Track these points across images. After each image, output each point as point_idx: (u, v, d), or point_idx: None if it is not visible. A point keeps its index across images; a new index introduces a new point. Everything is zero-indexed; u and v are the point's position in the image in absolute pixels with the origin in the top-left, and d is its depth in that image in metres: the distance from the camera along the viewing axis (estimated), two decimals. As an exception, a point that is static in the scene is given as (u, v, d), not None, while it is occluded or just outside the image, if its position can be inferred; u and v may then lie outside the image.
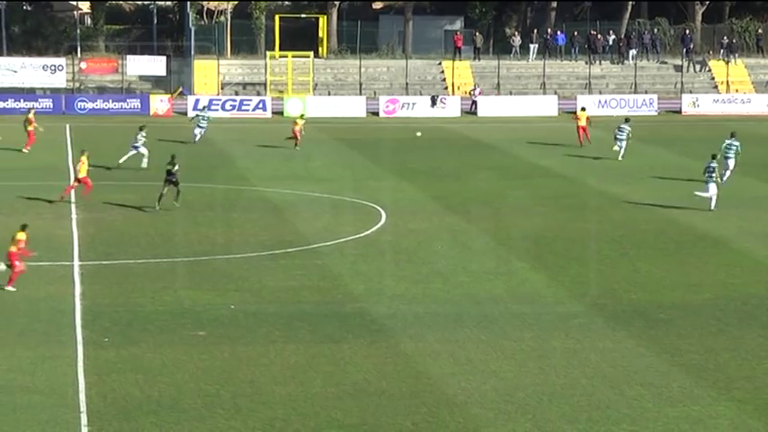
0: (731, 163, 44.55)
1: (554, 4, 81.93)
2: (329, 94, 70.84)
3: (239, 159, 50.52)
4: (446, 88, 72.57)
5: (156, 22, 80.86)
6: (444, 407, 21.36)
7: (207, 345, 24.66)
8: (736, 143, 45.00)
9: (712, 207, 39.13)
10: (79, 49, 75.86)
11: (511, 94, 72.07)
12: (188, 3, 76.58)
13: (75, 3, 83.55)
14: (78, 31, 79.40)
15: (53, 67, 68.48)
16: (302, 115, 55.65)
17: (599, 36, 76.36)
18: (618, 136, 51.51)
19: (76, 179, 39.78)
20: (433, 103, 68.43)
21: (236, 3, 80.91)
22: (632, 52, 75.94)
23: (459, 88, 72.10)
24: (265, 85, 70.96)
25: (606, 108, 68.43)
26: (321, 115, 65.52)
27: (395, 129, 62.38)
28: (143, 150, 46.45)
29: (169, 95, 67.93)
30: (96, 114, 65.42)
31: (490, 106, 69.00)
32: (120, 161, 46.69)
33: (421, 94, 70.50)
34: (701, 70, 75.80)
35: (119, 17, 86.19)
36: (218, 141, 55.01)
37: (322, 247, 33.72)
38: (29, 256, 28.87)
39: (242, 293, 28.83)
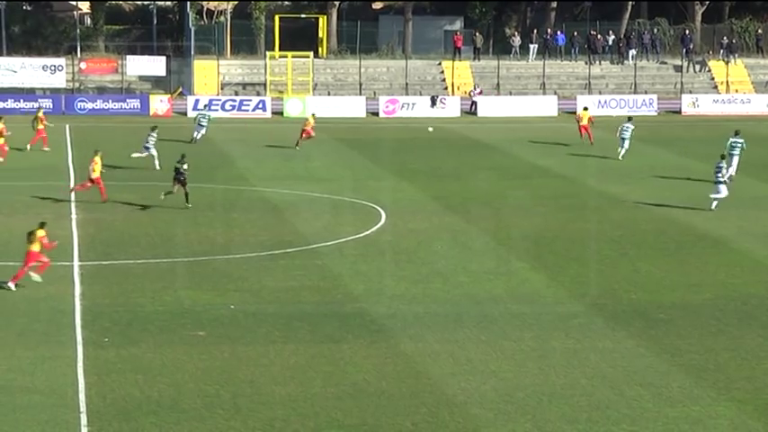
0: (736, 161, 44.63)
1: (554, 5, 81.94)
2: (329, 95, 70.84)
3: (239, 159, 50.53)
4: (446, 88, 72.56)
5: (155, 22, 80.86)
6: (444, 407, 21.36)
7: (207, 345, 24.66)
8: (741, 141, 45.08)
9: (713, 207, 39.13)
10: (79, 50, 75.86)
11: (511, 94, 72.07)
12: (188, 3, 76.58)
13: (74, 3, 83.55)
14: (78, 31, 79.41)
15: (53, 68, 68.47)
16: (314, 114, 55.62)
17: (599, 36, 76.37)
18: (623, 135, 51.68)
19: (90, 179, 39.71)
20: (433, 103, 68.44)
21: (235, 3, 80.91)
22: (632, 52, 75.94)
23: (458, 88, 72.09)
24: (265, 85, 70.96)
25: (606, 108, 68.43)
26: (321, 115, 65.30)
27: (395, 129, 62.39)
28: (153, 152, 46.48)
29: (169, 96, 67.93)
30: (96, 114, 65.43)
31: (490, 106, 69.00)
32: (133, 155, 46.66)
33: (421, 95, 70.50)
34: (700, 70, 75.81)
35: (118, 17, 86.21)
36: (218, 141, 55.02)
37: (322, 248, 33.72)
38: (51, 248, 28.75)
39: (242, 293, 28.84)
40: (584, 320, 26.80)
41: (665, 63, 76.53)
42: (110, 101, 67.12)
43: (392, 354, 24.21)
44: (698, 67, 75.90)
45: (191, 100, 66.88)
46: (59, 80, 68.42)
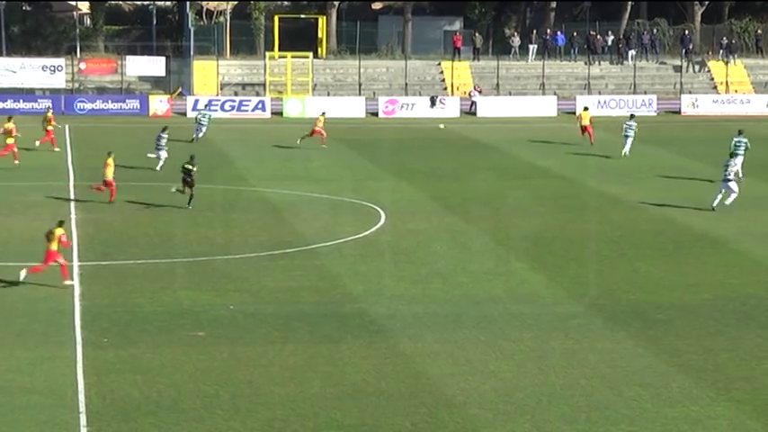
0: (740, 160, 44.65)
1: (553, 5, 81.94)
2: (328, 95, 70.83)
3: (238, 160, 50.53)
4: (445, 89, 72.56)
5: (155, 22, 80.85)
6: (443, 407, 21.36)
7: (206, 345, 24.67)
8: (744, 140, 45.17)
9: (714, 205, 39.13)
10: (78, 50, 75.86)
11: (510, 94, 72.07)
12: (187, 3, 76.57)
13: (74, 3, 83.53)
14: (78, 31, 79.40)
15: (52, 68, 68.47)
16: (324, 114, 55.62)
17: (598, 36, 76.37)
18: (626, 133, 51.88)
19: (104, 182, 39.68)
20: (433, 103, 68.45)
21: (235, 3, 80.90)
22: (631, 53, 75.95)
23: (458, 89, 72.10)
24: (264, 85, 70.96)
25: (606, 108, 68.42)
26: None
27: (394, 129, 62.39)
28: (164, 153, 46.54)
29: (168, 96, 67.93)
30: (96, 115, 65.41)
31: (489, 107, 69.01)
32: (149, 155, 46.73)
33: (420, 95, 70.51)
34: (700, 71, 75.82)
35: (118, 17, 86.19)
36: (218, 142, 55.01)
37: (321, 248, 33.73)
38: (68, 247, 28.75)
39: (241, 294, 28.85)
40: (583, 321, 26.81)
41: (665, 63, 76.54)
42: (109, 101, 67.12)
43: (391, 354, 24.23)
44: (697, 67, 75.91)
45: (190, 100, 66.88)
46: (59, 80, 68.42)
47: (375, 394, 21.95)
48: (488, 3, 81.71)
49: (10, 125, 48.04)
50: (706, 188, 43.73)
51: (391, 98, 69.17)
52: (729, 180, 39.16)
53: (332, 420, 20.71)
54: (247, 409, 21.19)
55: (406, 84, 72.14)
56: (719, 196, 39.34)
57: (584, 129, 55.90)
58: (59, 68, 68.59)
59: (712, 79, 75.09)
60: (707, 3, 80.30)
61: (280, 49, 72.81)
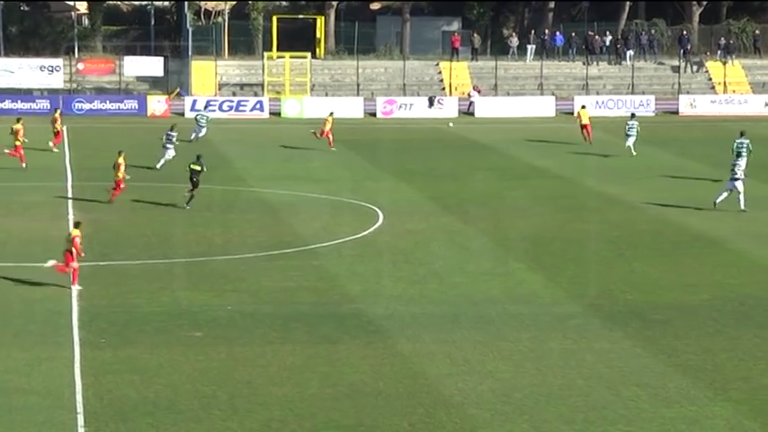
0: (742, 162, 44.65)
1: (551, 5, 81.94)
2: (326, 95, 70.82)
3: (236, 160, 50.52)
4: (443, 89, 72.56)
5: (153, 22, 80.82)
6: (441, 407, 21.36)
7: (204, 346, 24.66)
8: (746, 141, 45.24)
9: (717, 201, 39.12)
10: (76, 50, 75.81)
11: (508, 94, 72.07)
12: (185, 3, 76.54)
13: (72, 3, 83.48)
14: (76, 31, 79.36)
15: (50, 68, 68.46)
16: (332, 114, 55.59)
17: (596, 37, 76.38)
18: (628, 133, 52.04)
19: (116, 182, 39.62)
20: (431, 103, 68.45)
21: (233, 3, 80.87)
22: (629, 53, 75.95)
23: (456, 89, 72.09)
24: (263, 85, 70.96)
25: (604, 109, 68.42)
26: (318, 116, 65.46)
27: (392, 129, 62.40)
28: (172, 152, 46.59)
29: (167, 96, 67.92)
30: (93, 115, 65.36)
31: (487, 107, 69.00)
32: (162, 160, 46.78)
33: (418, 95, 70.50)
34: (698, 71, 75.83)
35: (116, 18, 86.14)
36: (216, 142, 54.96)
37: (319, 248, 33.74)
38: (78, 251, 28.76)
39: (239, 294, 28.84)
40: (581, 321, 26.82)
41: (663, 64, 76.54)
42: (107, 101, 67.10)
43: (389, 354, 24.22)
44: (695, 67, 75.93)
45: (188, 100, 66.87)
46: (57, 81, 68.38)
47: (373, 394, 21.95)
48: (487, 3, 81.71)
49: (17, 126, 48.03)
50: (704, 188, 43.76)
51: (389, 98, 69.16)
52: (737, 179, 39.15)
53: (330, 420, 20.70)
54: (245, 409, 21.19)
55: (405, 84, 72.14)
56: (725, 194, 39.32)
57: (583, 127, 55.99)
58: (57, 69, 68.55)
59: (710, 79, 75.10)
60: (705, 3, 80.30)
61: (278, 50, 72.77)
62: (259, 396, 21.79)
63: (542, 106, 69.31)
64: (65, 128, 57.91)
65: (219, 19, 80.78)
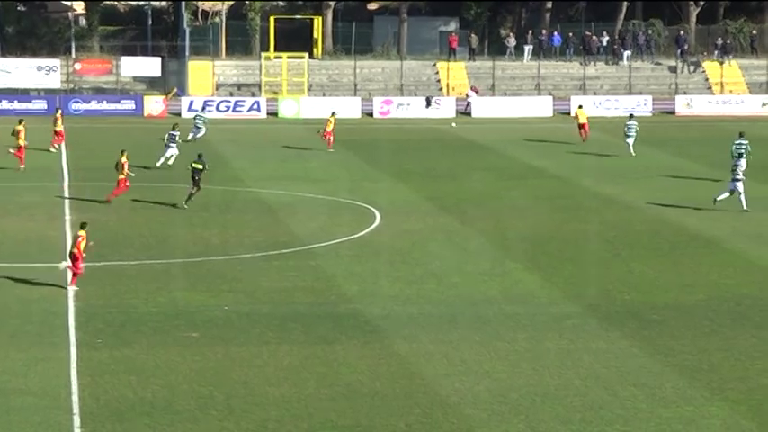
0: (743, 162, 44.69)
1: (549, 5, 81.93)
2: (324, 95, 70.80)
3: (234, 160, 50.48)
4: (440, 89, 72.56)
5: (150, 22, 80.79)
6: (438, 408, 21.36)
7: (200, 346, 24.65)
8: (745, 142, 45.31)
9: (717, 198, 39.09)
10: (74, 50, 75.75)
11: (505, 95, 72.07)
12: (183, 3, 76.51)
13: (69, 3, 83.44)
14: (73, 31, 79.32)
15: (47, 68, 68.42)
16: (334, 114, 55.60)
17: (593, 37, 76.40)
18: (628, 133, 52.14)
19: (121, 180, 39.65)
20: (428, 104, 68.45)
21: (230, 3, 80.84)
22: (627, 53, 75.96)
23: (453, 89, 72.09)
24: (260, 85, 70.93)
25: (601, 109, 68.43)
26: (316, 116, 65.49)
27: (389, 130, 62.40)
28: (174, 150, 46.69)
29: (164, 96, 67.89)
30: (90, 116, 65.32)
31: (485, 107, 69.01)
32: (169, 161, 46.83)
33: (416, 95, 70.49)
34: (694, 71, 75.86)
35: (113, 18, 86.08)
36: (213, 142, 54.91)
37: (316, 249, 33.73)
38: (80, 250, 28.75)
39: (236, 294, 28.82)
40: (578, 321, 26.82)
41: (660, 64, 76.56)
42: (104, 102, 67.06)
43: (386, 354, 24.22)
44: (692, 67, 75.96)
45: (185, 101, 66.84)
46: (54, 81, 68.36)
47: (370, 395, 21.94)
48: (484, 3, 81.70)
49: (19, 127, 48.07)
50: (701, 188, 43.79)
51: (387, 99, 69.16)
52: (738, 180, 39.16)
53: (326, 421, 20.70)
54: (242, 409, 21.17)
55: (402, 84, 72.13)
56: (726, 194, 39.31)
57: (580, 126, 56.10)
58: (54, 69, 68.52)
59: (707, 80, 75.13)
60: (702, 3, 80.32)
61: (275, 50, 72.76)
62: (256, 396, 21.79)
63: (540, 106, 69.33)
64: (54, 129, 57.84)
65: (217, 19, 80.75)
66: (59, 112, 54.64)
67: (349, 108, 67.42)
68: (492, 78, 72.74)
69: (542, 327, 26.33)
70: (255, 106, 67.63)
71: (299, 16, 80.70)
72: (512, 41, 77.16)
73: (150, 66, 70.17)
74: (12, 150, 47.09)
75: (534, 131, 60.96)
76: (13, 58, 70.71)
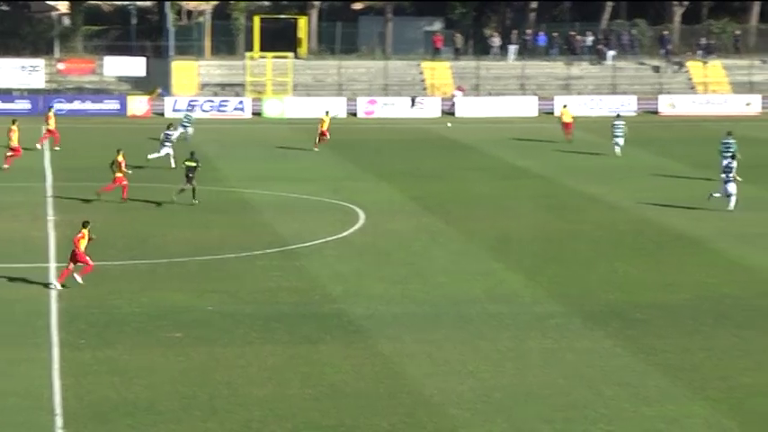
0: (735, 163, 44.79)
1: (533, 5, 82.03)
2: (308, 95, 70.74)
3: (217, 160, 50.35)
4: (425, 89, 72.58)
5: (134, 22, 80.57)
6: (421, 407, 21.37)
7: (183, 346, 24.61)
8: (732, 141, 45.46)
9: (712, 194, 39.17)
10: (57, 50, 75.50)
11: (490, 94, 72.12)
12: (167, 3, 76.35)
13: (53, 3, 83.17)
14: (56, 31, 79.04)
15: (31, 68, 68.19)
16: (328, 113, 55.56)
17: (578, 37, 76.51)
18: (616, 133, 52.21)
19: (118, 178, 39.62)
20: (413, 103, 68.47)
21: (215, 3, 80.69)
22: (611, 53, 76.09)
23: (438, 89, 72.10)
24: (244, 85, 70.84)
25: (585, 108, 68.50)
26: (300, 116, 65.50)
27: (374, 130, 62.39)
28: (170, 150, 46.74)
29: (148, 96, 67.73)
30: (74, 116, 65.09)
31: (469, 107, 69.06)
32: (161, 157, 46.87)
33: (400, 95, 70.49)
34: (678, 71, 76.03)
35: (97, 18, 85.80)
36: (197, 142, 54.73)
37: (300, 249, 33.70)
38: (78, 248, 28.65)
39: (219, 295, 28.78)
40: (562, 320, 26.86)
41: (644, 64, 76.71)
42: (88, 102, 66.88)
43: (370, 354, 24.22)
44: (676, 67, 76.14)
45: (169, 101, 66.70)
46: (37, 81, 68.14)
47: (353, 395, 21.94)
48: (469, 3, 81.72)
49: (13, 127, 48.00)
50: (685, 188, 43.94)
51: (371, 98, 69.14)
52: (729, 181, 39.24)
53: (310, 421, 20.68)
54: (225, 410, 21.14)
55: (386, 84, 72.12)
56: (718, 195, 39.35)
57: (565, 125, 56.23)
58: (38, 69, 68.29)
59: (690, 79, 75.32)
60: (686, 3, 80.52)
61: (260, 50, 72.64)
62: (239, 397, 21.76)
63: (524, 106, 69.41)
64: (44, 128, 57.71)
65: (201, 19, 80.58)
66: (52, 111, 54.67)
67: (333, 108, 67.31)
68: (476, 78, 72.80)
69: (526, 326, 26.37)
70: (240, 106, 67.55)
71: (283, 16, 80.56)
72: (496, 41, 77.22)
73: (134, 66, 70.00)
74: (9, 153, 47.15)
75: (519, 131, 61.03)
76: (-4, 58, 70.45)
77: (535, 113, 68.56)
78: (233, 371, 23.11)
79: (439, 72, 73.12)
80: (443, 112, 68.47)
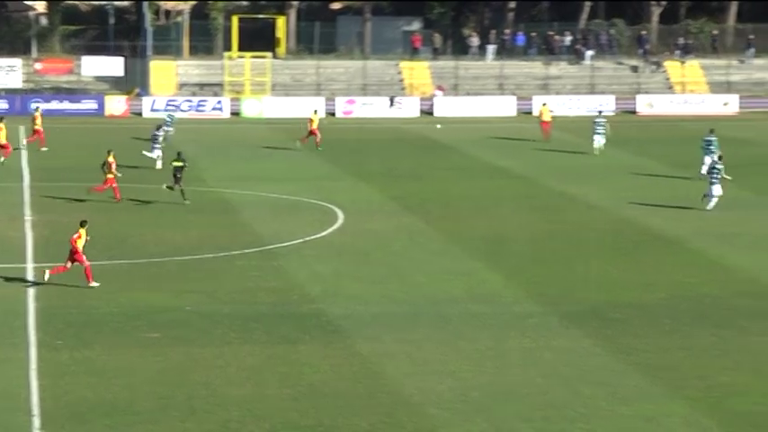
0: (708, 159, 45.03)
1: (512, 5, 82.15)
2: (287, 95, 70.63)
3: (196, 160, 50.10)
4: (404, 89, 72.56)
5: (112, 22, 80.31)
6: (401, 407, 21.34)
7: (161, 347, 24.52)
8: (714, 138, 45.65)
9: (708, 207, 39.18)
10: (34, 50, 75.14)
11: (468, 94, 72.17)
12: (145, 3, 76.12)
13: (30, 3, 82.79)
14: (34, 31, 78.68)
15: (8, 68, 67.85)
16: (316, 111, 55.49)
17: (556, 37, 76.65)
18: (597, 131, 52.31)
19: (109, 180, 39.46)
20: (392, 103, 68.46)
21: (193, 3, 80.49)
22: (589, 53, 76.27)
23: (417, 89, 72.10)
24: (223, 85, 70.68)
25: (564, 108, 68.62)
26: (279, 116, 65.42)
27: (353, 129, 62.35)
28: (157, 151, 46.74)
29: (126, 96, 67.49)
30: (51, 116, 64.65)
31: (448, 107, 69.09)
32: (147, 153, 46.78)
33: (379, 95, 70.46)
34: (656, 71, 76.26)
35: (75, 17, 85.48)
36: (175, 142, 54.58)
37: (279, 249, 33.63)
38: (73, 247, 28.53)
39: (197, 295, 28.69)
40: (541, 320, 26.89)
41: (622, 63, 76.93)
42: (65, 101, 66.60)
43: (349, 354, 24.18)
44: (654, 67, 76.38)
45: (148, 101, 66.48)
46: (15, 80, 67.81)
47: (332, 395, 21.89)
48: (447, 3, 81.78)
49: (0, 125, 47.91)
50: (663, 188, 44.08)
51: (350, 98, 69.09)
52: (714, 183, 39.31)
53: (288, 421, 20.63)
54: (203, 410, 21.07)
55: (365, 84, 72.08)
56: (716, 197, 39.42)
57: (542, 124, 56.35)
58: (15, 68, 67.95)
59: (668, 79, 75.57)
60: (664, 3, 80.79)
61: (238, 50, 72.50)
62: (217, 397, 21.68)
63: (503, 106, 69.50)
64: (21, 128, 57.46)
65: (179, 18, 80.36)
66: (39, 110, 54.50)
67: (312, 108, 67.23)
68: (455, 78, 72.85)
69: (505, 326, 26.38)
70: (218, 106, 67.40)
71: (261, 16, 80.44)
72: (475, 41, 77.29)
73: (112, 65, 69.75)
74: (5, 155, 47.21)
75: (497, 131, 61.09)
76: (-28, 58, 70.09)
77: (514, 113, 68.65)
78: (211, 371, 23.03)
79: (417, 72, 73.14)
80: (422, 112, 68.50)
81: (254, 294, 28.81)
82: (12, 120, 59.29)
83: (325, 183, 45.02)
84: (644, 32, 77.60)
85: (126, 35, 79.12)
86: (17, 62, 68.64)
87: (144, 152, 46.90)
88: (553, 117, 58.00)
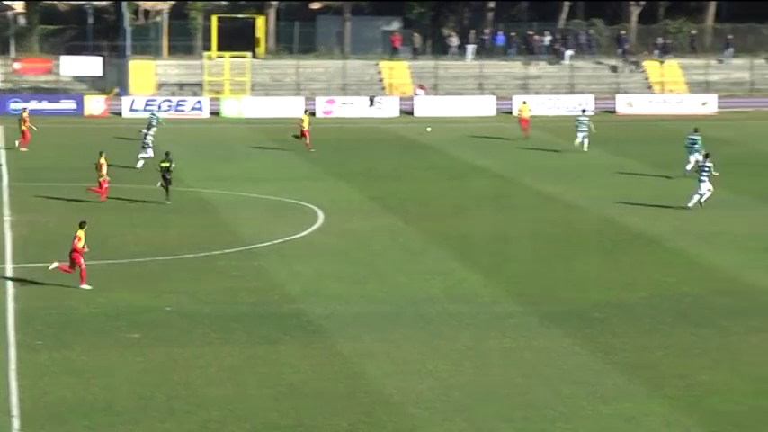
0: (692, 158, 45.18)
1: (491, 5, 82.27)
2: (266, 95, 70.55)
3: (176, 160, 49.85)
4: (383, 89, 72.58)
5: (91, 21, 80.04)
6: (381, 407, 21.36)
7: (141, 347, 24.46)
8: (698, 137, 45.81)
9: (689, 204, 39.28)
10: (13, 50, 74.82)
11: (448, 94, 72.23)
12: (124, 3, 75.90)
13: (8, 2, 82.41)
14: (12, 30, 78.35)
15: (-15, 68, 67.62)
16: (306, 111, 55.41)
17: (535, 36, 76.81)
18: (580, 128, 52.47)
19: (103, 181, 39.35)
20: (371, 103, 68.46)
21: (172, 3, 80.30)
22: (568, 53, 76.46)
23: (397, 89, 72.14)
24: (202, 85, 70.54)
25: (543, 108, 68.74)
26: (258, 116, 65.34)
27: (332, 129, 62.29)
28: (150, 152, 46.70)
29: (105, 96, 67.28)
30: (30, 115, 64.28)
31: (428, 106, 69.13)
32: (143, 155, 46.68)
33: (359, 95, 70.46)
34: (635, 71, 76.51)
35: (53, 17, 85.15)
36: (155, 142, 54.46)
37: (259, 249, 33.60)
38: (75, 247, 28.43)
39: (177, 295, 28.63)
40: (521, 320, 26.94)
41: (601, 63, 77.15)
42: (44, 101, 66.34)
43: (329, 354, 24.18)
44: (633, 67, 76.61)
45: (127, 100, 66.29)
46: (-7, 80, 67.55)
47: (312, 395, 21.89)
48: (427, 3, 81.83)
49: None
50: (642, 187, 44.22)
51: (330, 98, 69.06)
52: (703, 181, 39.45)
53: (269, 421, 20.62)
54: (183, 410, 21.03)
55: (345, 84, 72.07)
56: (706, 194, 39.51)
57: (521, 121, 56.50)
58: (-7, 68, 67.72)
59: (647, 79, 75.81)
60: (643, 3, 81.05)
61: (217, 49, 72.37)
62: (197, 397, 21.65)
63: (483, 106, 69.58)
64: (1, 128, 57.30)
65: (158, 18, 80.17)
66: (26, 112, 54.29)
67: (291, 108, 67.20)
68: (435, 78, 72.90)
69: (485, 325, 26.43)
70: (197, 106, 67.26)
71: (241, 15, 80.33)
72: (454, 41, 77.38)
73: (91, 65, 69.53)
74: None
75: (477, 130, 61.17)
76: (-50, 58, 69.77)
77: (493, 113, 68.73)
78: (191, 371, 23.00)
79: (397, 72, 73.17)
80: (402, 112, 68.51)
81: (234, 294, 28.78)
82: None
83: (306, 183, 44.99)
84: (623, 32, 77.83)
85: (105, 35, 78.89)
86: (-5, 62, 68.37)
87: (140, 156, 46.63)
88: (532, 116, 58.12)
